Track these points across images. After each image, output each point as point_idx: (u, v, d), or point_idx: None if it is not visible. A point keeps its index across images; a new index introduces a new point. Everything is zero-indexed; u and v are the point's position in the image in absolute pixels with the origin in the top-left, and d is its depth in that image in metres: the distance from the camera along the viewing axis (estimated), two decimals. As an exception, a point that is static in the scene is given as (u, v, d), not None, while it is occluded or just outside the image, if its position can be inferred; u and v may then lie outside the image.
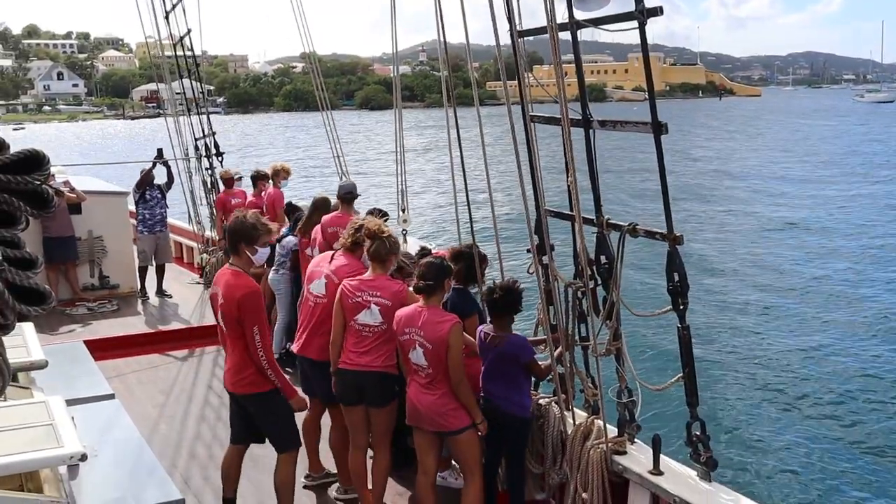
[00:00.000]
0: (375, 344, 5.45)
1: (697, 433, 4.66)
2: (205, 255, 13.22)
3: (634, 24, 4.30)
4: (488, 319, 5.51)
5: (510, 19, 5.12)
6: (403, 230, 9.07)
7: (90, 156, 55.22)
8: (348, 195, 8.35)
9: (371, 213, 8.87)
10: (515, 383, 5.34)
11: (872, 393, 13.14)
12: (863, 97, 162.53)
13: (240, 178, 12.43)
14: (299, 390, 5.77)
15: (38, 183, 2.31)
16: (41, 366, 4.24)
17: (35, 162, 2.30)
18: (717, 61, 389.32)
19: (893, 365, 14.44)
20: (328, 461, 6.30)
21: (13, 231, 2.24)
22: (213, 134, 13.03)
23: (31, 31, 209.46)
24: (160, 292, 12.49)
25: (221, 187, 12.53)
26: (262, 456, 5.99)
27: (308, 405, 5.73)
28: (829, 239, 26.50)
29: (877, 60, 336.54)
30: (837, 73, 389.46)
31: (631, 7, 4.31)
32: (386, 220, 6.51)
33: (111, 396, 4.93)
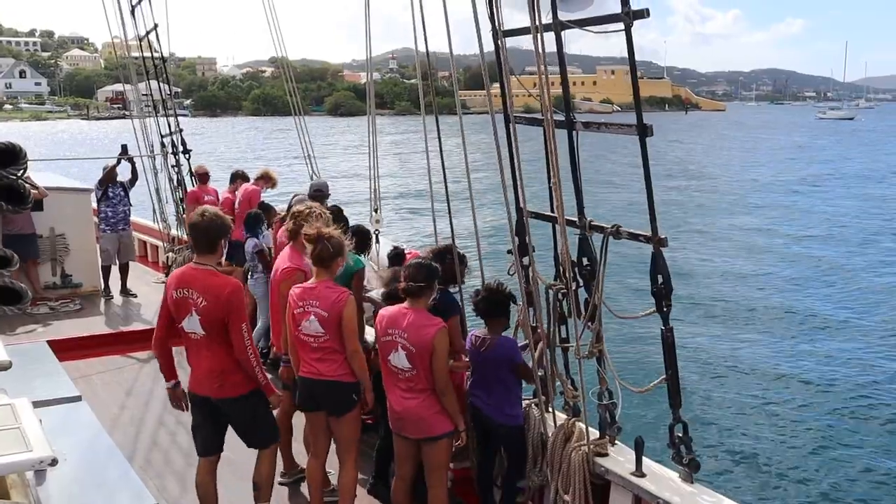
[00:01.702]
0: (325, 353, 5.21)
1: (680, 435, 4.64)
2: (171, 254, 13.01)
3: (620, 25, 4.26)
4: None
5: (492, 18, 5.06)
6: (376, 230, 8.99)
7: (54, 153, 54.36)
8: (317, 193, 8.27)
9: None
10: (506, 390, 5.27)
11: (855, 393, 13.31)
12: (825, 114, 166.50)
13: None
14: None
15: (14, 177, 2.17)
16: (5, 367, 4.07)
17: (10, 155, 2.16)
18: (683, 76, 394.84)
19: (875, 364, 14.66)
20: (301, 459, 6.21)
21: (-14, 228, 2.09)
22: (181, 131, 12.82)
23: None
24: (124, 291, 12.27)
25: (194, 183, 12.35)
26: (236, 461, 5.84)
27: (280, 402, 5.50)
28: (811, 241, 27.15)
29: (837, 79, 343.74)
30: (799, 90, 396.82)
31: (613, 9, 4.30)
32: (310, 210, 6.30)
33: (78, 398, 4.77)
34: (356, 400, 5.27)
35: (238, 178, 11.71)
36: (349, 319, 5.13)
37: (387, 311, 5.17)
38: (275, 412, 5.52)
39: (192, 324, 5.04)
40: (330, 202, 8.36)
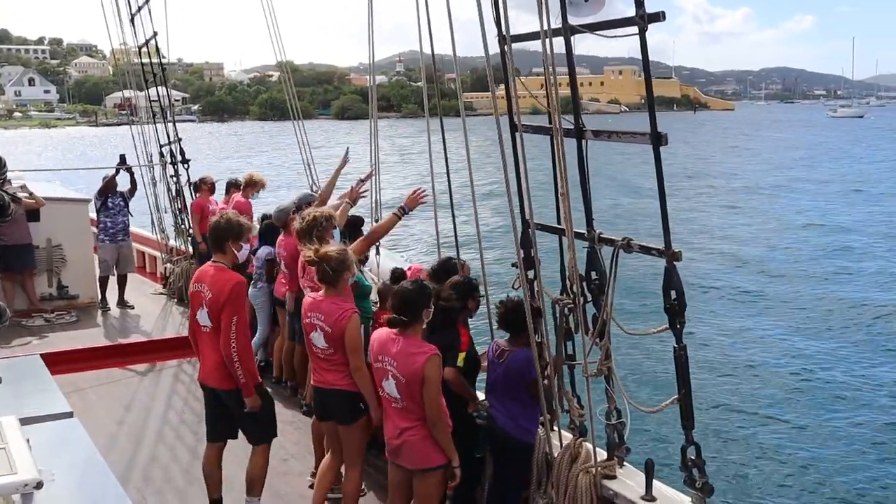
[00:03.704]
0: (332, 364, 5.30)
1: (693, 457, 4.40)
2: (169, 265, 12.89)
3: (634, 29, 4.05)
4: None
5: (498, 24, 4.87)
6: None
7: (60, 162, 54.55)
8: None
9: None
10: (521, 403, 5.09)
11: (877, 416, 12.92)
12: (836, 112, 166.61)
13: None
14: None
15: (-6, 189, 2.03)
16: (-5, 382, 3.95)
17: (-12, 166, 2.02)
18: (692, 75, 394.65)
19: None
20: None
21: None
22: (179, 140, 12.70)
23: (2, 37, 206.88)
24: (122, 303, 12.13)
25: (192, 193, 12.22)
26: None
27: (258, 406, 5.57)
28: (832, 254, 26.52)
29: (848, 77, 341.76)
30: (809, 89, 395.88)
31: (621, 12, 4.10)
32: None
33: (69, 415, 4.61)
34: (364, 409, 5.29)
35: (232, 187, 11.55)
36: (351, 337, 5.17)
37: (379, 335, 4.98)
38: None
39: (202, 316, 5.44)
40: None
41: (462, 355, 5.36)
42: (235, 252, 5.56)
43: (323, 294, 5.33)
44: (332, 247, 5.46)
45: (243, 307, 5.44)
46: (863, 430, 12.46)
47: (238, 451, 5.88)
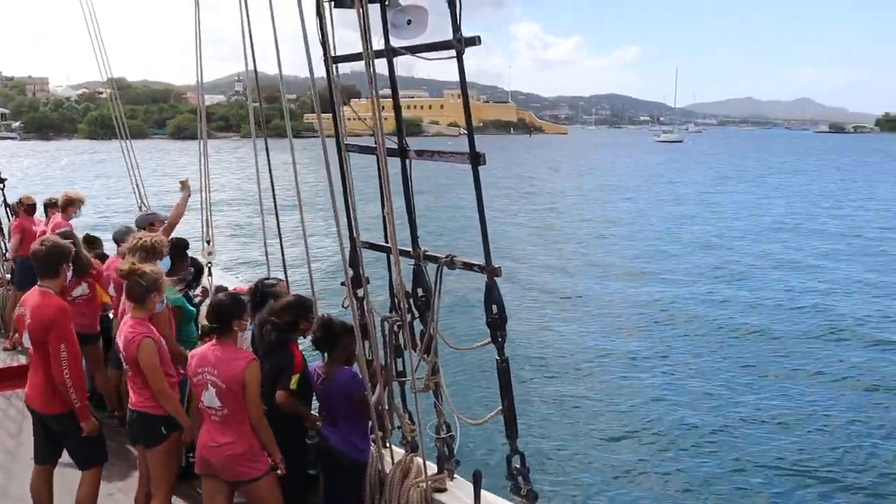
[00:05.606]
0: (135, 386, 5.31)
1: (518, 466, 4.55)
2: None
3: (452, 52, 4.20)
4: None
5: (324, 45, 4.91)
6: (209, 263, 8.59)
7: None
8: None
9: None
10: (350, 422, 5.12)
11: (696, 423, 13.55)
12: (659, 137, 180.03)
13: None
14: None
15: None
16: None
17: None
18: (527, 100, 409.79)
19: (724, 392, 15.04)
20: None
21: None
22: (-7, 160, 11.89)
23: None
24: None
25: (9, 214, 11.45)
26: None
27: (96, 429, 5.51)
28: (651, 269, 27.87)
29: (669, 104, 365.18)
30: (635, 115, 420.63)
31: (447, 37, 4.23)
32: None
33: None
34: (165, 434, 5.26)
35: (50, 207, 10.88)
36: (143, 361, 5.14)
37: (196, 351, 5.03)
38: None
39: (26, 339, 5.37)
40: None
41: (296, 378, 5.32)
42: (68, 274, 5.56)
43: (129, 315, 5.30)
44: (149, 266, 5.43)
45: (71, 333, 5.29)
46: (684, 428, 13.23)
47: (66, 478, 5.69)
